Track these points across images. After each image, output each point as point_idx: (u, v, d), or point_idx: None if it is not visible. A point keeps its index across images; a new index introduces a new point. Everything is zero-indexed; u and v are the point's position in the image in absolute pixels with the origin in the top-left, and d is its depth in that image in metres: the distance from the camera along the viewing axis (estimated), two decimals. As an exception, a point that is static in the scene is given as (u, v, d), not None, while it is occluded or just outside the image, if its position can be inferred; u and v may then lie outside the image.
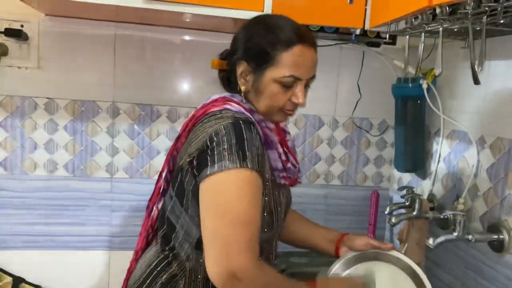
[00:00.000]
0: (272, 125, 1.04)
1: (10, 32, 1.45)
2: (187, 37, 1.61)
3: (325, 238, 1.23)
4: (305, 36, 1.00)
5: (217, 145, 0.91)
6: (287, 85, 0.99)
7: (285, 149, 1.09)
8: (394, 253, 1.14)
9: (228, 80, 1.08)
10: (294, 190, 1.71)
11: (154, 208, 1.12)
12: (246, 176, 0.90)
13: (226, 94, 1.06)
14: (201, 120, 1.00)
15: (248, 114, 0.99)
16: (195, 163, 0.94)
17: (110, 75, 1.58)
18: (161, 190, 1.11)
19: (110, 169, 1.62)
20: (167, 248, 1.05)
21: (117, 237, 1.65)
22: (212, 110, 1.00)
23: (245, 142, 0.91)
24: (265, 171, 0.98)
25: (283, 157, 1.05)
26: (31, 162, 1.57)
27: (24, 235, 1.58)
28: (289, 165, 1.07)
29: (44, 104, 1.55)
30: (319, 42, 1.61)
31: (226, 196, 0.90)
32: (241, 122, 0.94)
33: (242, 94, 1.03)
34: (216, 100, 1.04)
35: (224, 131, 0.92)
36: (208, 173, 0.90)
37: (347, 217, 1.81)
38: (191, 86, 1.65)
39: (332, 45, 1.64)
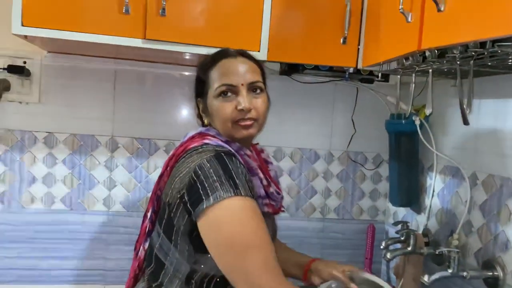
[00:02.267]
0: (249, 152, 1.07)
1: (13, 69, 1.49)
2: (185, 72, 1.65)
3: (296, 263, 1.26)
4: (226, 51, 1.09)
5: (205, 178, 0.93)
6: (224, 96, 1.04)
7: (267, 177, 1.12)
8: None
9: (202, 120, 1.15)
10: (290, 224, 1.74)
11: (141, 248, 1.12)
12: (242, 203, 0.92)
13: (202, 129, 1.10)
14: (182, 156, 1.03)
15: (227, 146, 1.02)
16: (186, 198, 0.95)
17: (109, 109, 1.61)
18: (146, 231, 1.12)
19: (107, 203, 1.63)
20: (154, 286, 1.04)
21: (113, 271, 1.64)
22: (191, 146, 1.03)
23: (232, 171, 0.94)
24: (256, 197, 1.00)
25: (265, 182, 1.07)
26: (28, 196, 1.58)
27: (19, 269, 1.58)
28: (271, 189, 1.09)
29: (44, 138, 1.57)
30: (314, 79, 1.66)
31: (229, 227, 0.91)
32: (223, 154, 0.97)
33: (208, 126, 1.10)
34: (193, 137, 1.08)
35: (208, 164, 0.94)
36: (204, 207, 0.91)
37: (343, 251, 1.80)
38: (189, 120, 1.66)
39: (326, 82, 1.68)
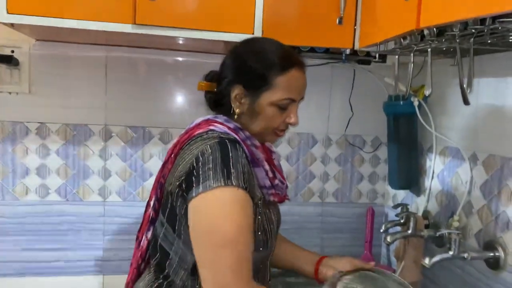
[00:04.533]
0: (258, 143, 1.05)
1: (1, 58, 1.45)
2: (179, 58, 1.62)
3: (305, 260, 1.23)
4: (297, 60, 1.04)
5: (202, 165, 0.92)
6: (282, 107, 1.02)
7: (272, 166, 1.10)
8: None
9: (216, 102, 1.09)
10: (289, 209, 1.72)
11: (144, 238, 1.10)
12: (231, 194, 0.90)
13: (209, 116, 1.07)
14: (187, 143, 1.01)
15: (233, 134, 1.00)
16: (184, 185, 0.94)
17: (101, 98, 1.57)
18: (149, 219, 1.10)
19: (102, 193, 1.61)
20: (161, 277, 1.03)
21: (110, 261, 1.62)
22: (197, 132, 1.01)
23: (231, 160, 0.92)
24: (255, 189, 0.98)
25: (270, 174, 1.05)
26: (22, 187, 1.55)
27: (15, 262, 1.56)
28: (276, 181, 1.07)
29: (36, 128, 1.54)
30: (310, 61, 1.62)
31: (211, 216, 0.90)
32: (227, 141, 0.95)
33: (236, 116, 1.04)
34: (199, 124, 1.05)
35: (210, 151, 0.93)
36: (194, 194, 0.91)
37: (343, 234, 1.80)
38: (184, 107, 1.64)
39: (323, 64, 1.65)
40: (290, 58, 1.03)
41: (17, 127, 1.53)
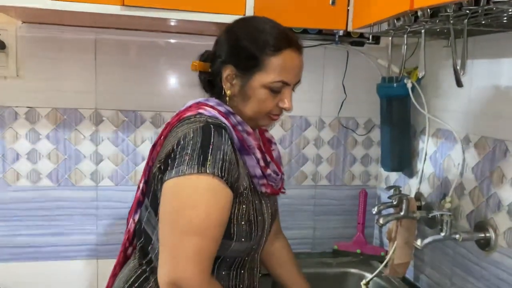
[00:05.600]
0: (250, 130, 1.01)
1: (-14, 41, 1.42)
2: (170, 40, 1.59)
3: None
4: (293, 40, 1.00)
5: (181, 149, 0.89)
6: (275, 90, 0.98)
7: (268, 157, 1.06)
8: None
9: (210, 83, 1.06)
10: (282, 192, 1.72)
11: (131, 221, 1.09)
12: (204, 182, 0.87)
13: (201, 99, 1.04)
14: (175, 125, 0.98)
15: (222, 118, 0.96)
16: (162, 168, 0.92)
17: (91, 81, 1.55)
18: (137, 203, 1.09)
19: (95, 177, 1.60)
20: (144, 262, 1.02)
21: (104, 246, 1.62)
22: (186, 115, 0.98)
23: (210, 146, 0.89)
24: (240, 178, 0.95)
25: (262, 163, 1.01)
26: (13, 173, 1.54)
27: (9, 247, 1.55)
28: (269, 171, 1.03)
29: (25, 113, 1.52)
30: (303, 43, 1.61)
31: (180, 202, 0.88)
32: (212, 126, 0.92)
33: (227, 98, 1.01)
34: (190, 106, 1.02)
35: (192, 135, 0.90)
36: (166, 177, 0.89)
37: (336, 216, 1.81)
38: (176, 90, 1.62)
39: (315, 45, 1.63)
40: (285, 38, 0.98)
41: (6, 111, 1.50)
